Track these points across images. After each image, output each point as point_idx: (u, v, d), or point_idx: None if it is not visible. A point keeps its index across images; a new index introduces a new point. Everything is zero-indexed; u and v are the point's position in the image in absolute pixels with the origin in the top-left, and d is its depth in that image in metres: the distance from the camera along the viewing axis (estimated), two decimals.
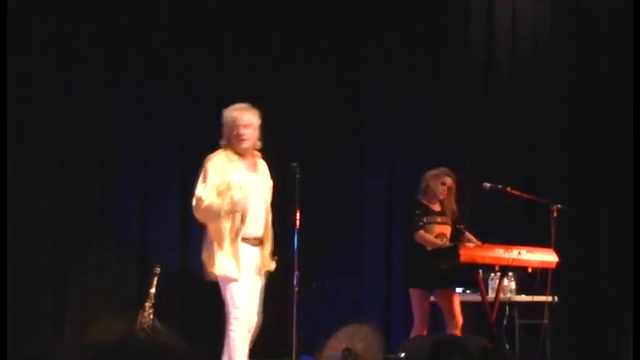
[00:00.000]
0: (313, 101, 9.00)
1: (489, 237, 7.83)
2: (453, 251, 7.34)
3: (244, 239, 6.64)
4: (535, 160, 9.60)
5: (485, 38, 9.56)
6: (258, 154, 6.81)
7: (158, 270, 7.55)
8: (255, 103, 6.50)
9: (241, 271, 6.59)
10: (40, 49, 7.93)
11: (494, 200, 8.63)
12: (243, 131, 6.66)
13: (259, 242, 6.74)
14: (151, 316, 7.42)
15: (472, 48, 9.50)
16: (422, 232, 7.62)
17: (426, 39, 9.36)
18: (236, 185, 6.57)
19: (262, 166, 6.85)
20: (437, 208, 7.77)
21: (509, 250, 7.45)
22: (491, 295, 7.79)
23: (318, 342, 7.71)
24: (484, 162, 9.28)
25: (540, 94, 9.70)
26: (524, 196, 8.15)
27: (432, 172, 7.82)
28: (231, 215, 6.59)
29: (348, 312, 8.49)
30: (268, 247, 6.78)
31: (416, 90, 9.39)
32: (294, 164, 7.15)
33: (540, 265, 7.57)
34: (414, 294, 7.70)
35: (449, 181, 7.76)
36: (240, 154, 6.70)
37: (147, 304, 7.44)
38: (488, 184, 8.01)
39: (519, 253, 7.46)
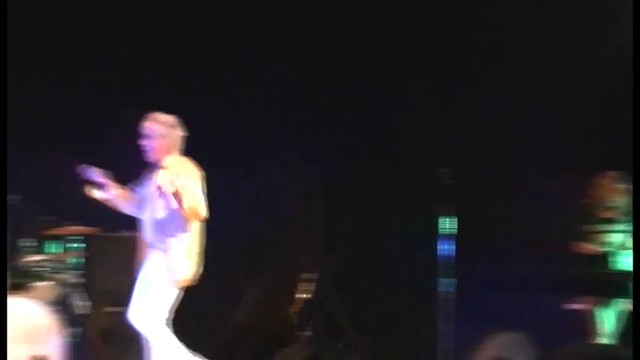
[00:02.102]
0: None
1: None
2: (603, 259, 7.24)
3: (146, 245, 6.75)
4: None
5: None
6: (173, 160, 6.70)
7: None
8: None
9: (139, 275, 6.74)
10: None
11: None
12: (142, 142, 6.73)
13: (156, 249, 6.68)
14: None
15: None
16: (581, 242, 7.50)
17: None
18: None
19: (164, 173, 6.63)
20: (608, 215, 7.62)
21: None
22: None
23: (468, 351, 7.66)
24: None
25: None
26: None
27: (602, 179, 7.66)
28: None
29: (497, 320, 8.41)
30: (175, 255, 6.64)
31: None
32: (446, 170, 7.11)
33: None
34: (586, 302, 7.58)
35: (619, 187, 7.60)
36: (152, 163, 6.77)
37: None
38: None
39: None
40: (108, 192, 6.72)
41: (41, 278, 7.59)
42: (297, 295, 7.72)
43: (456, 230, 7.12)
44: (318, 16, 8.49)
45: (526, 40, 9.03)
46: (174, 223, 6.61)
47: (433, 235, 7.56)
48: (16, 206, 7.41)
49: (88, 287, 7.63)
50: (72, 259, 7.77)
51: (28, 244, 7.61)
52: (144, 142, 6.71)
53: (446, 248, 7.22)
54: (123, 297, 7.14)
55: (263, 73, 8.52)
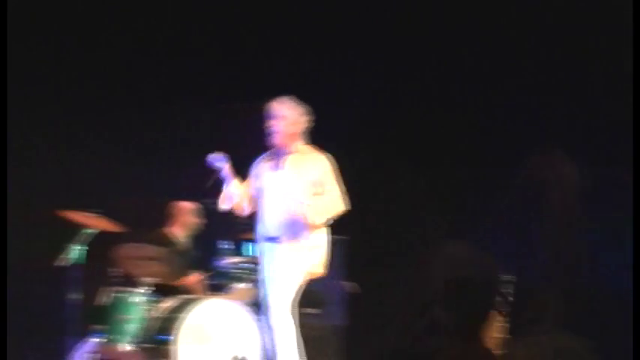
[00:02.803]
0: None
1: None
2: None
3: (266, 238, 6.53)
4: None
5: None
6: (302, 147, 6.51)
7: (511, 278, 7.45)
8: None
9: (261, 271, 6.55)
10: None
11: None
12: (270, 123, 6.48)
13: (280, 243, 6.48)
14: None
15: None
16: None
17: None
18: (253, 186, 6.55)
19: (295, 160, 6.48)
20: None
21: None
22: None
23: None
24: None
25: None
26: None
27: None
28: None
29: None
30: (306, 247, 6.42)
31: None
32: None
33: None
34: None
35: None
36: (276, 149, 6.52)
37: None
38: None
39: None
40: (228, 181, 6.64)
41: (240, 280, 7.72)
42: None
43: None
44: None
45: None
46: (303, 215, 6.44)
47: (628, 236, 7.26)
48: (214, 209, 7.57)
49: None
50: None
51: (226, 246, 7.76)
52: (272, 124, 6.54)
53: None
54: (318, 298, 7.19)
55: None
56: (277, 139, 6.55)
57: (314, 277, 6.53)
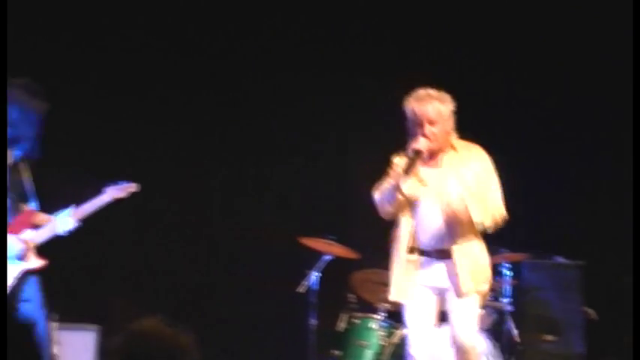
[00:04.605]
0: None
1: None
2: None
3: (420, 252, 5.58)
4: None
5: None
6: (458, 142, 5.57)
7: None
8: None
9: (411, 292, 5.59)
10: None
11: None
12: (426, 130, 5.45)
13: (443, 256, 5.53)
14: None
15: None
16: None
17: None
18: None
19: (453, 157, 5.55)
20: None
21: None
22: None
23: None
24: None
25: None
26: None
27: None
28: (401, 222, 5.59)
29: None
30: (464, 264, 5.48)
31: None
32: None
33: None
34: None
35: None
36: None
37: None
38: None
39: None
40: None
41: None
42: None
43: None
44: None
45: None
46: (470, 225, 5.53)
47: None
48: None
49: (521, 315, 7.52)
50: (505, 287, 7.68)
51: None
52: (428, 131, 5.49)
53: None
54: (555, 325, 6.99)
55: None
56: (435, 144, 5.56)
57: (485, 294, 5.78)
